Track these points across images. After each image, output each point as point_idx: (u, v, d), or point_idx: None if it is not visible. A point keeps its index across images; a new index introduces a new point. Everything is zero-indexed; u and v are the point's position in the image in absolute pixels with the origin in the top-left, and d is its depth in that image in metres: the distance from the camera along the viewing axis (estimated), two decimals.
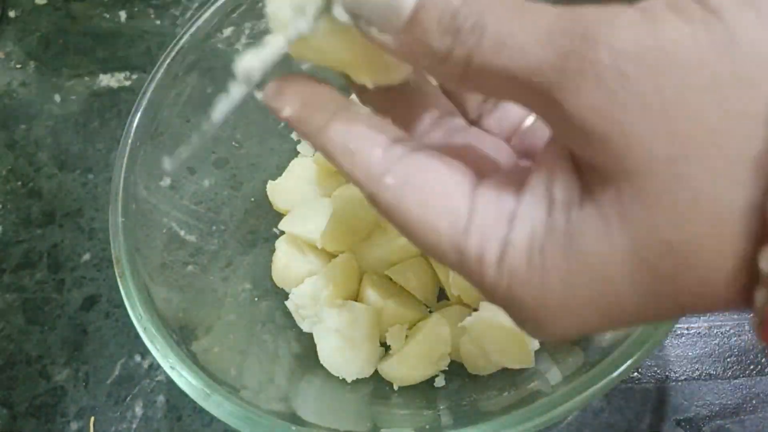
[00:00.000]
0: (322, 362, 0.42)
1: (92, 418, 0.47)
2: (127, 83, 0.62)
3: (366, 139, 0.21)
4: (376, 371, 0.43)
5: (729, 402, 0.43)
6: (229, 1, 0.46)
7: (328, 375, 0.42)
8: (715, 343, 0.45)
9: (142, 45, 0.64)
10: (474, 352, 0.41)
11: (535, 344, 0.40)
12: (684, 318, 0.45)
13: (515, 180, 0.20)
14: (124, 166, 0.40)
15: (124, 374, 0.48)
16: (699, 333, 0.45)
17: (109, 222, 0.38)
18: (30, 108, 0.62)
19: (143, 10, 0.66)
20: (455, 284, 0.42)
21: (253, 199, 0.49)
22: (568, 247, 0.18)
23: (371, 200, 0.21)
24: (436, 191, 0.20)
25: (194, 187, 0.46)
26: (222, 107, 0.22)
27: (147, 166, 0.41)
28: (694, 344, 0.45)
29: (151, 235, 0.41)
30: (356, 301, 0.44)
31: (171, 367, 0.34)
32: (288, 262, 0.46)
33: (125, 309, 0.36)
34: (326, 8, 0.20)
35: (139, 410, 0.47)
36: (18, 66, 0.64)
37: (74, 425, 0.47)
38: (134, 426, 0.46)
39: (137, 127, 0.41)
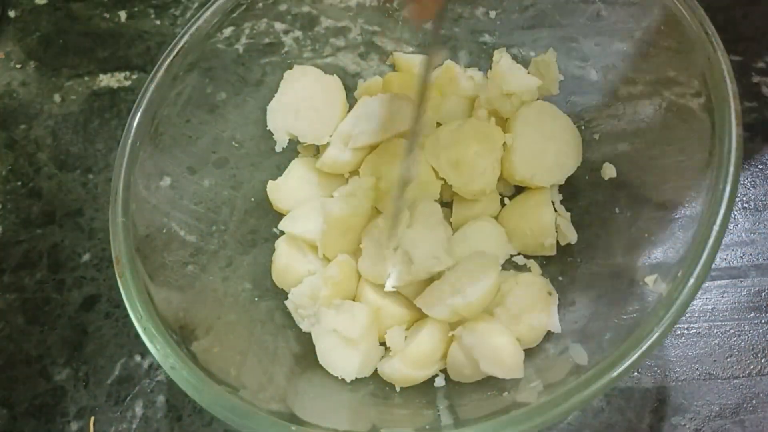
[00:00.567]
0: (320, 362, 0.42)
1: (92, 418, 0.47)
2: (127, 83, 0.62)
3: None
4: (375, 371, 0.43)
5: (729, 402, 0.43)
6: (229, 1, 0.46)
7: (327, 375, 0.42)
8: (715, 343, 0.45)
9: (142, 45, 0.64)
10: (461, 361, 0.41)
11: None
12: (684, 318, 0.45)
13: None
14: (124, 166, 0.40)
15: (124, 374, 0.48)
16: (699, 333, 0.45)
17: (109, 222, 0.38)
18: (30, 108, 0.62)
19: (143, 10, 0.66)
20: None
21: (253, 199, 0.49)
22: None
23: None
24: None
25: (194, 187, 0.46)
26: None
27: (147, 166, 0.42)
28: (694, 344, 0.45)
29: (151, 235, 0.41)
30: (354, 301, 0.44)
31: (171, 367, 0.34)
32: (288, 262, 0.46)
33: (125, 309, 0.36)
34: None
35: (139, 410, 0.47)
36: (18, 66, 0.64)
37: (74, 425, 0.47)
38: (134, 426, 0.46)
39: (137, 126, 0.41)
